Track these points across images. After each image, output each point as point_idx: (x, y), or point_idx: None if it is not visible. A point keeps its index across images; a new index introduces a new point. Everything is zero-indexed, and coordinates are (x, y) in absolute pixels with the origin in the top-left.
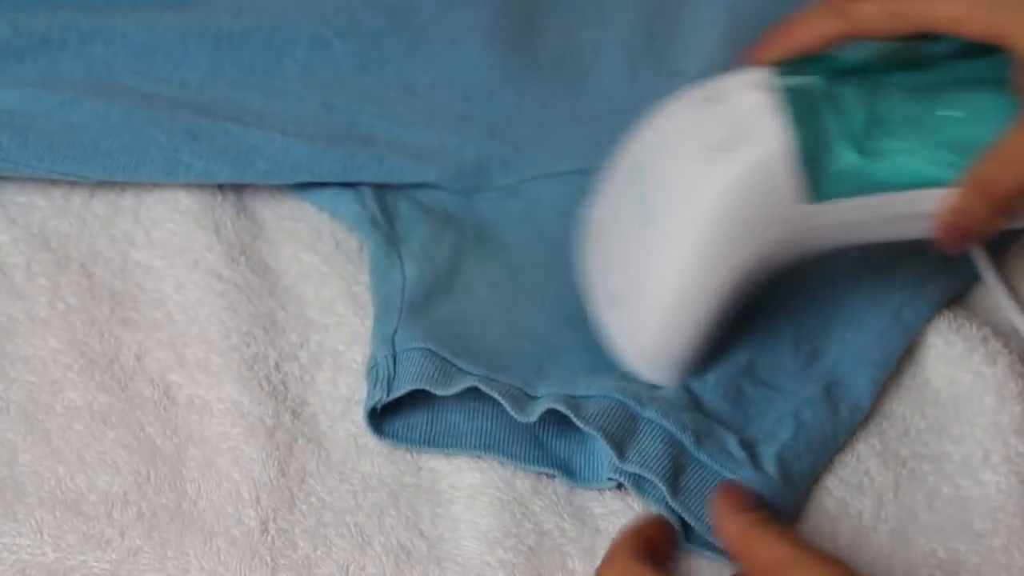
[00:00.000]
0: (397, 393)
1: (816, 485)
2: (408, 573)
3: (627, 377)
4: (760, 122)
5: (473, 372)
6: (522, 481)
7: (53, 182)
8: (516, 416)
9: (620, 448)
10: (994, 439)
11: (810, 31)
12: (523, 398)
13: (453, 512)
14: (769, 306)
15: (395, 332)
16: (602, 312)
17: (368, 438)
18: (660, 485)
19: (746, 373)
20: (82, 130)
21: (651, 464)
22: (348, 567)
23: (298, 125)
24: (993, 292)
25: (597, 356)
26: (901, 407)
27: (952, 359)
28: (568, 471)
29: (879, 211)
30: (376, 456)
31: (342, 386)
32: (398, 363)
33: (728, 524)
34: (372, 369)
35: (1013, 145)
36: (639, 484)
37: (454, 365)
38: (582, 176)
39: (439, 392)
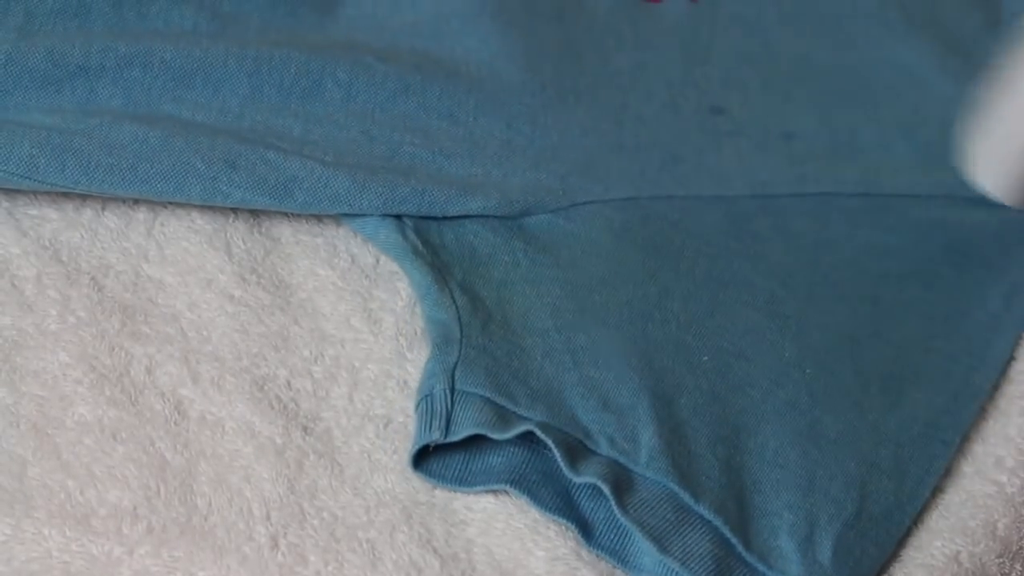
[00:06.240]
0: (455, 437)
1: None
2: None
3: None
4: None
5: (532, 418)
6: None
7: (65, 194)
8: (566, 471)
9: (661, 541)
10: (1006, 446)
11: None
12: (580, 449)
13: (467, 534)
14: (832, 363)
15: (455, 366)
16: (979, 128)
17: (382, 454)
18: None
19: (809, 435)
20: (121, 152)
21: (694, 564)
22: None
23: (338, 155)
24: None
25: (663, 377)
26: None
27: None
28: (587, 530)
29: None
30: (390, 472)
31: (357, 402)
32: (456, 403)
33: None
34: (426, 399)
35: None
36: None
37: (514, 413)
38: (634, 203)
39: (496, 436)
